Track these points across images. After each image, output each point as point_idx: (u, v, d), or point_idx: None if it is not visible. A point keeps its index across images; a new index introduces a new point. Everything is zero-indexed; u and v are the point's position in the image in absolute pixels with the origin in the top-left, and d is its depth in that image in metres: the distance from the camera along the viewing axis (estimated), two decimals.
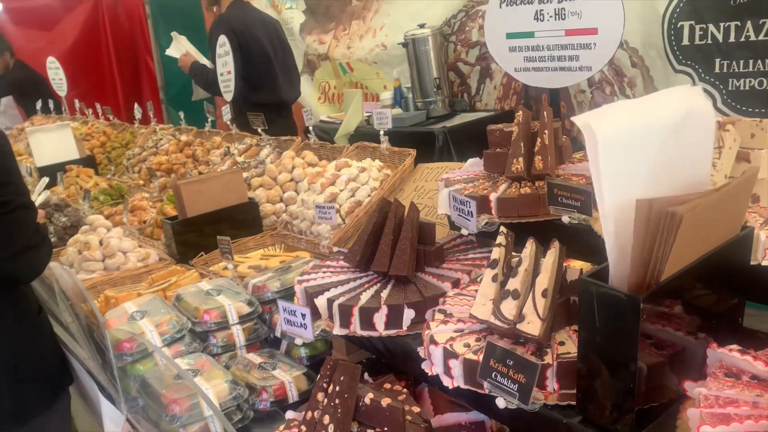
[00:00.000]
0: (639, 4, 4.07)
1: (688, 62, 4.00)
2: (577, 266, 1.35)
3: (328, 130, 4.92)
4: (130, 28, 9.04)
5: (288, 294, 1.88)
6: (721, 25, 3.80)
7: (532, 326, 1.21)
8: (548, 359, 1.19)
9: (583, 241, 1.50)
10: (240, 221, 2.60)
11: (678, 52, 4.04)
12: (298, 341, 1.64)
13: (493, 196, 1.65)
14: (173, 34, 5.23)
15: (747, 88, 3.81)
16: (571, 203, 1.48)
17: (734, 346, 1.10)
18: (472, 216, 1.62)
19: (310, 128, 3.09)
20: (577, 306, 1.12)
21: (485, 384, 1.19)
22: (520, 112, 1.76)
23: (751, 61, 3.74)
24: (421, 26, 4.87)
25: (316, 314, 1.60)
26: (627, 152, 1.00)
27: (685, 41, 3.96)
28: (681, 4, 3.93)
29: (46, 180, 3.26)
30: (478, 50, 4.98)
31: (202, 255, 2.49)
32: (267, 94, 4.37)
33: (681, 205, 0.96)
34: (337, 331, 1.53)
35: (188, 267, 2.41)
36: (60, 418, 2.00)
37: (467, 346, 1.28)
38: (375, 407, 1.26)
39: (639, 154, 1.02)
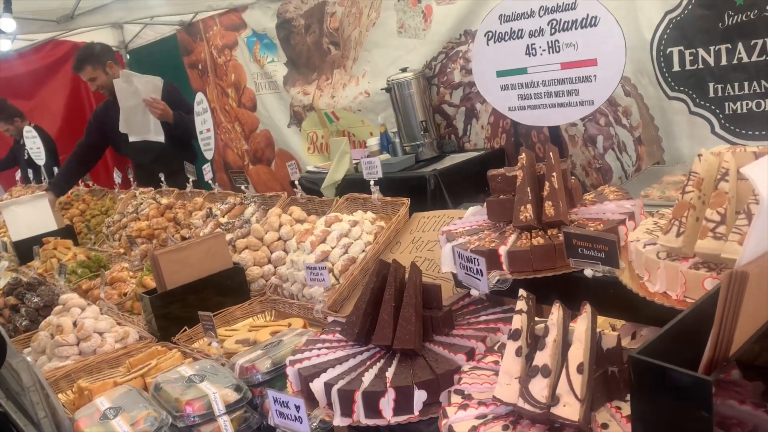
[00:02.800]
0: (625, 31, 3.99)
1: (681, 88, 3.90)
2: (611, 332, 1.16)
3: (316, 180, 4.76)
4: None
5: (280, 374, 1.67)
6: (711, 48, 3.71)
7: (570, 409, 1.02)
8: None
9: (610, 296, 1.32)
10: (225, 288, 2.41)
11: (670, 79, 3.94)
12: None
13: (502, 250, 1.47)
14: (121, 77, 4.97)
15: (745, 111, 3.69)
16: (593, 254, 1.30)
17: None
18: (482, 275, 1.44)
19: (296, 182, 2.92)
20: (617, 378, 0.93)
21: None
22: (524, 155, 1.60)
23: (746, 83, 3.64)
24: (404, 70, 4.79)
25: (312, 401, 1.40)
26: None
27: (676, 67, 3.87)
28: (668, 30, 3.84)
29: (4, 264, 3.07)
30: (462, 91, 4.89)
31: (185, 330, 2.28)
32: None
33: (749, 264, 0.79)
34: (338, 421, 1.33)
35: (170, 345, 2.19)
36: None
37: None
38: None
39: None
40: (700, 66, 3.77)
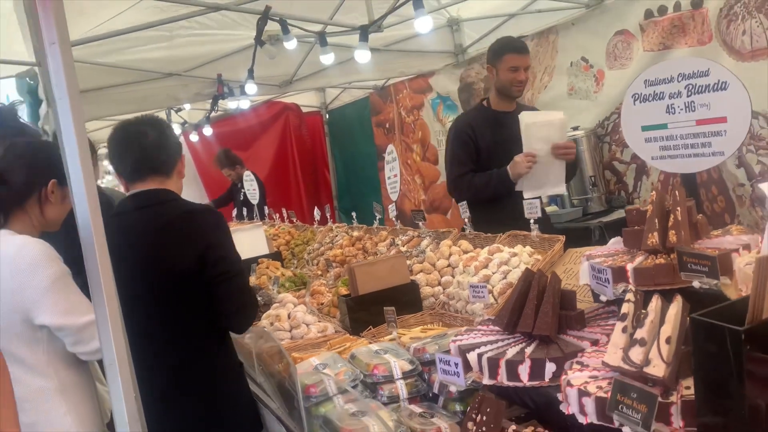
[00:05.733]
0: None
1: None
2: None
3: None
4: (311, 145, 10.25)
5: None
6: None
7: (657, 369, 1.37)
8: (673, 399, 1.34)
9: (713, 302, 1.62)
10: (403, 300, 2.94)
11: None
12: (453, 389, 1.88)
13: (629, 266, 1.83)
14: None
15: None
16: (699, 269, 1.62)
17: None
18: (608, 283, 1.81)
19: (466, 219, 3.42)
20: None
21: (614, 416, 1.35)
22: (654, 193, 1.96)
23: None
24: (575, 128, 5.13)
25: (467, 368, 1.85)
26: None
27: None
28: None
29: None
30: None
31: (370, 328, 2.85)
32: None
33: None
34: (486, 381, 1.76)
35: (359, 337, 2.76)
36: None
37: (599, 387, 1.46)
38: None
39: None
40: None
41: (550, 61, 5.91)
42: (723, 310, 1.24)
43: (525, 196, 3.37)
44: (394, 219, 4.17)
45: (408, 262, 3.40)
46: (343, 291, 3.22)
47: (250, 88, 5.73)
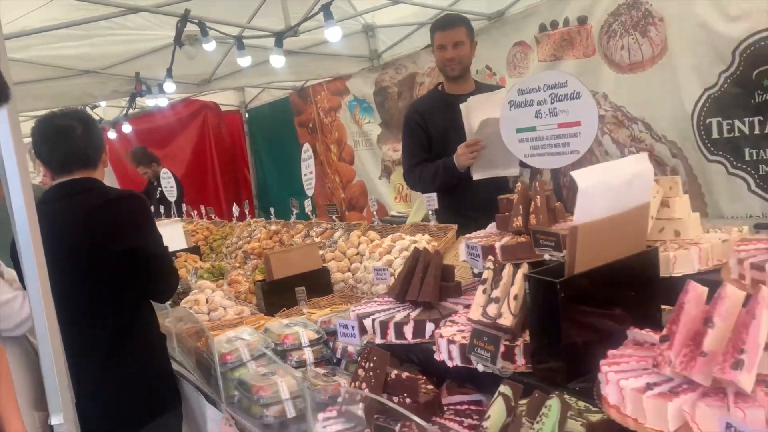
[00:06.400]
0: (671, 105, 4.63)
1: (720, 153, 4.46)
2: None
3: (398, 223, 5.58)
4: (230, 143, 10.34)
5: None
6: (746, 120, 4.26)
7: (506, 320, 1.72)
8: (518, 343, 1.69)
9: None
10: (315, 284, 3.22)
11: (709, 145, 4.51)
12: (351, 349, 2.19)
13: (497, 244, 2.19)
14: None
15: None
16: (548, 244, 2.00)
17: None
18: (479, 258, 2.17)
19: (374, 212, 3.75)
20: None
21: (471, 357, 1.70)
22: (519, 184, 2.34)
23: None
24: None
25: (363, 331, 2.16)
26: (595, 194, 1.54)
27: (715, 135, 4.44)
28: (707, 104, 4.45)
29: None
30: None
31: (284, 310, 3.11)
32: None
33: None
34: (378, 340, 2.08)
35: (274, 318, 3.03)
36: (174, 426, 2.58)
37: (463, 337, 1.80)
38: (398, 380, 1.78)
39: (602, 196, 1.56)
40: (737, 134, 4.34)
41: None
42: (551, 270, 1.60)
43: (474, 178, 3.30)
44: (309, 213, 4.44)
45: (322, 252, 3.69)
46: (260, 278, 3.47)
47: (169, 86, 5.86)
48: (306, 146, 4.62)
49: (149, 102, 7.46)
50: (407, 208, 6.79)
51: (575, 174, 1.52)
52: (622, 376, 1.37)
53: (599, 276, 1.57)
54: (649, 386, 1.31)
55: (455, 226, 3.26)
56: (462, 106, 3.28)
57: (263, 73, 7.35)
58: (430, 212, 3.36)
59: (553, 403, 1.34)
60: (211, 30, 4.89)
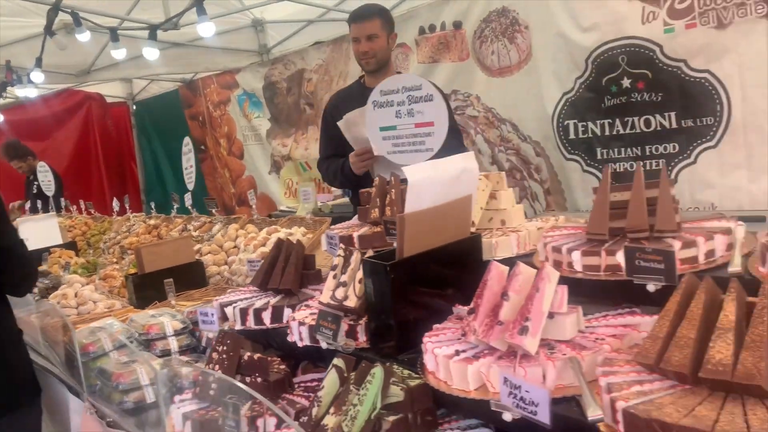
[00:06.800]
0: (535, 107, 5.01)
1: (576, 152, 4.87)
2: None
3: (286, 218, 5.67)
4: (117, 137, 9.97)
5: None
6: (598, 122, 4.70)
7: (351, 301, 1.88)
8: (360, 322, 1.86)
9: None
10: (188, 277, 3.26)
11: (567, 145, 4.92)
12: (211, 335, 2.28)
13: (355, 234, 2.36)
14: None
15: (622, 170, 4.65)
16: (395, 232, 2.18)
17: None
18: (336, 247, 2.32)
19: (253, 205, 3.82)
20: None
21: (318, 336, 1.85)
22: (377, 179, 2.52)
23: (623, 149, 4.62)
24: None
25: (225, 319, 2.26)
26: (424, 188, 1.72)
27: (572, 135, 4.85)
28: (565, 107, 4.85)
29: None
30: None
31: (156, 303, 3.13)
32: None
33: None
34: (238, 326, 2.19)
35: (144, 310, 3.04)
36: (31, 420, 2.55)
37: (313, 319, 1.94)
38: (250, 361, 1.90)
39: (430, 189, 1.74)
40: (590, 135, 4.76)
41: (344, 66, 6.51)
42: (386, 255, 1.78)
43: (374, 178, 3.01)
44: (190, 207, 4.44)
45: (200, 245, 3.73)
46: (133, 272, 3.46)
47: (37, 76, 5.61)
48: (186, 140, 4.61)
49: (19, 92, 7.08)
50: (297, 203, 6.87)
51: (407, 170, 1.70)
52: (437, 345, 1.56)
53: (427, 259, 1.76)
54: (457, 353, 1.51)
55: (329, 219, 3.40)
56: (340, 123, 3.30)
57: (148, 65, 7.17)
58: (305, 206, 3.49)
59: (377, 372, 1.51)
60: (86, 21, 4.75)
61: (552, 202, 5.24)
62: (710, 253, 1.56)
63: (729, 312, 1.17)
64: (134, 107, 10.05)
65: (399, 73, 3.52)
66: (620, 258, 1.55)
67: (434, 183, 1.76)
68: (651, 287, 1.46)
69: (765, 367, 1.08)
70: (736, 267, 1.46)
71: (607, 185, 1.76)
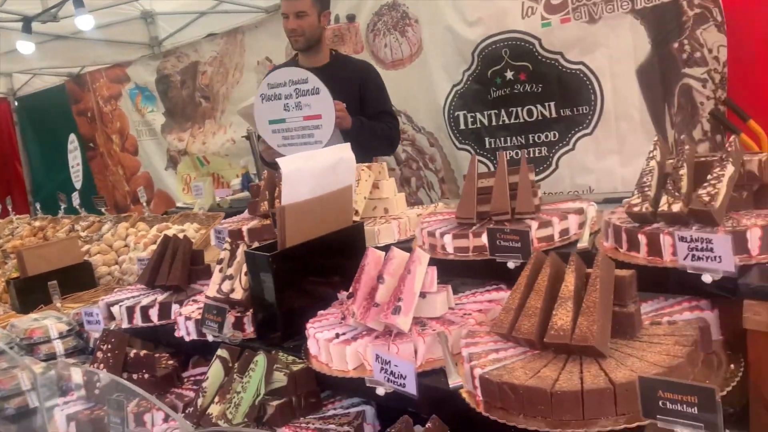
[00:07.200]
0: (427, 99, 5.16)
1: (466, 142, 5.07)
2: None
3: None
4: None
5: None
6: (485, 113, 4.90)
7: (238, 294, 1.92)
8: (247, 313, 1.89)
9: None
10: (75, 279, 3.15)
11: (458, 135, 5.11)
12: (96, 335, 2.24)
13: (245, 228, 2.38)
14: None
15: (508, 158, 4.88)
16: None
17: None
18: (224, 242, 2.34)
19: (143, 203, 3.74)
20: None
21: (204, 330, 1.87)
22: (265, 172, 2.55)
23: (509, 138, 4.84)
24: None
25: (112, 318, 2.22)
26: (299, 178, 1.76)
27: (462, 126, 5.04)
28: (455, 99, 5.03)
29: None
30: None
31: (41, 307, 3.01)
32: None
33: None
34: (125, 324, 2.16)
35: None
36: None
37: (199, 314, 1.96)
38: (136, 358, 1.90)
39: (306, 180, 1.78)
40: (479, 126, 4.96)
41: (240, 58, 6.43)
42: (269, 246, 1.82)
43: None
44: (78, 207, 4.27)
45: (88, 245, 3.60)
46: (15, 276, 3.30)
47: None
48: (72, 137, 4.43)
49: None
50: (194, 199, 6.73)
51: (281, 161, 1.75)
52: (319, 330, 1.63)
53: (309, 249, 1.82)
54: (337, 336, 1.59)
55: (222, 214, 3.39)
56: (239, 113, 3.19)
57: (30, 58, 6.77)
58: (197, 201, 3.46)
59: (260, 359, 1.56)
60: None
61: (446, 191, 5.43)
62: (564, 232, 1.72)
63: (569, 282, 1.30)
64: (16, 103, 9.43)
65: (334, 52, 3.50)
66: (485, 239, 1.68)
67: (310, 174, 1.81)
68: (511, 264, 1.59)
69: (597, 330, 1.22)
70: (584, 243, 1.62)
71: (474, 173, 1.88)
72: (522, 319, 1.31)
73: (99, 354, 1.90)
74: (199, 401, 1.58)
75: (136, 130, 7.65)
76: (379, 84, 3.46)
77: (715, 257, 1.22)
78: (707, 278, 1.25)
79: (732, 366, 1.24)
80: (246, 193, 5.83)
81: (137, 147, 7.65)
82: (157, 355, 1.98)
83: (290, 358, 1.68)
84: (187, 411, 1.60)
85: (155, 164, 7.58)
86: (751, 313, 1.18)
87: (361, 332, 1.59)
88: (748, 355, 1.21)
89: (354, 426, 1.50)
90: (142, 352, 1.90)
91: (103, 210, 3.97)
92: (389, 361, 1.36)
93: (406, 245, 2.01)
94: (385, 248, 1.70)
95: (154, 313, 2.13)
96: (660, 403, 1.02)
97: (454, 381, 1.32)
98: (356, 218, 2.09)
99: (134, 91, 7.54)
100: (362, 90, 3.27)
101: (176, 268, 2.28)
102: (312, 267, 1.84)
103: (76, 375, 1.88)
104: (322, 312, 1.77)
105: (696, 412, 0.98)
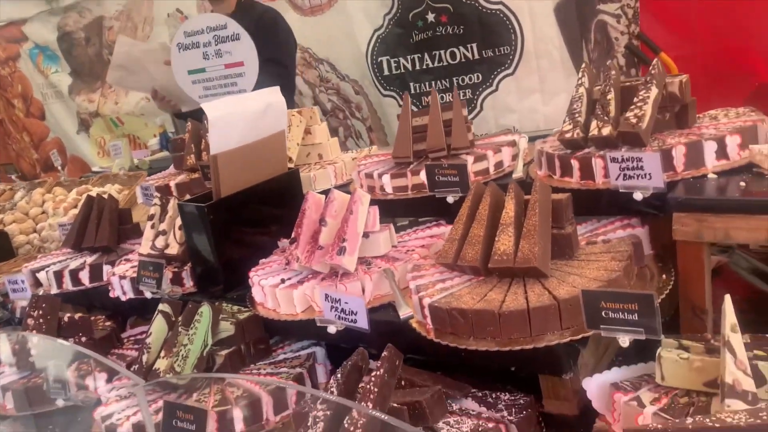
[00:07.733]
0: (349, 46, 5.06)
1: (391, 88, 5.04)
2: None
3: None
4: None
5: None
6: (408, 57, 4.86)
7: (173, 249, 1.86)
8: (185, 267, 1.84)
9: None
10: None
11: (382, 81, 5.06)
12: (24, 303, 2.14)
13: (172, 183, 2.30)
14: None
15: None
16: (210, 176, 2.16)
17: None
18: (152, 198, 2.25)
19: (58, 167, 3.53)
20: None
21: (141, 287, 1.81)
22: (189, 123, 2.45)
23: (433, 82, 4.83)
24: None
25: (39, 285, 2.12)
26: (227, 124, 1.69)
27: (386, 72, 4.99)
28: (377, 44, 4.96)
29: None
30: None
31: None
32: None
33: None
34: (54, 290, 2.07)
35: None
36: None
37: (135, 272, 1.89)
38: (71, 321, 1.82)
39: (235, 125, 1.71)
40: (402, 71, 4.92)
41: (148, 12, 6.08)
42: (202, 197, 1.77)
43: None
44: None
45: (2, 215, 3.39)
46: None
47: None
48: None
49: None
50: (111, 163, 6.42)
51: (205, 106, 1.68)
52: (263, 278, 1.61)
53: (245, 198, 1.78)
54: (282, 281, 1.57)
55: (145, 172, 3.25)
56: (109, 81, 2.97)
57: None
58: (116, 161, 3.30)
59: (204, 310, 1.52)
60: None
61: (375, 139, 5.41)
62: (499, 164, 1.75)
63: (509, 209, 1.34)
64: None
65: (242, 1, 3.33)
66: (423, 177, 1.69)
67: (239, 119, 1.75)
68: (450, 199, 1.61)
69: (539, 252, 1.26)
70: (519, 173, 1.66)
71: (408, 112, 1.88)
72: (466, 248, 1.34)
73: (30, 321, 1.81)
74: (144, 357, 1.54)
75: (41, 93, 7.16)
76: (278, 34, 3.32)
77: (645, 174, 1.28)
78: (638, 196, 1.31)
79: (663, 276, 1.31)
80: (165, 153, 5.61)
81: (44, 111, 7.17)
82: (92, 318, 1.90)
83: (235, 307, 1.66)
84: (132, 368, 1.56)
85: (66, 128, 7.14)
86: (679, 225, 1.25)
87: (306, 276, 1.58)
88: (677, 264, 1.29)
89: (306, 367, 1.51)
90: (77, 315, 1.82)
91: (14, 177, 3.73)
92: (339, 299, 1.37)
93: (344, 189, 2.00)
94: (324, 193, 1.68)
95: (84, 276, 2.05)
96: (603, 313, 1.07)
97: (404, 312, 1.34)
98: (291, 165, 2.05)
99: (34, 50, 7.02)
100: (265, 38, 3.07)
101: (104, 228, 2.19)
102: (249, 216, 1.81)
103: (4, 345, 1.79)
104: (263, 260, 1.75)
105: (636, 318, 1.04)
